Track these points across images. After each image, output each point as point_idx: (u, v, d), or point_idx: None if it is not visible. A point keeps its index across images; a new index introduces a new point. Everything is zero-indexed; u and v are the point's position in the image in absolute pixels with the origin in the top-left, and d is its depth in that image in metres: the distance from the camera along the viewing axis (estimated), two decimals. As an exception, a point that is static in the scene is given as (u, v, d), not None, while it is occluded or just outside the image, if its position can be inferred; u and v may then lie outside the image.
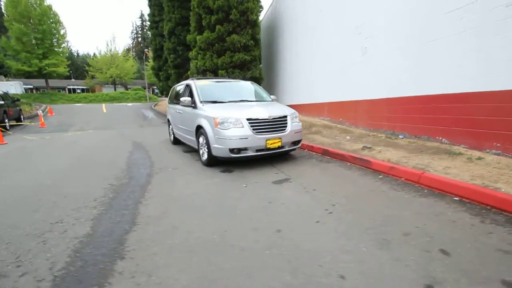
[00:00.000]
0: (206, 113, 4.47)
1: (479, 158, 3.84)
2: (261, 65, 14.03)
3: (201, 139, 4.67)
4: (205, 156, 4.58)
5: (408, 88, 5.45)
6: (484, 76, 4.05)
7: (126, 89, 41.80)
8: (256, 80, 12.44)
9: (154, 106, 22.03)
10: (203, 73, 13.28)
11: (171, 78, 17.05)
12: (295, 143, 4.62)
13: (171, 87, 19.10)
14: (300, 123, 4.76)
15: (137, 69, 43.50)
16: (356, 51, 7.05)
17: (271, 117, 4.34)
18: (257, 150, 4.19)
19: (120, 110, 18.63)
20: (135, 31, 64.53)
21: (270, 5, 15.03)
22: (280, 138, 4.31)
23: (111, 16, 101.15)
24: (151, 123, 13.48)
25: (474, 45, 4.18)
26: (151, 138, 8.43)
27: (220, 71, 12.72)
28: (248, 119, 4.15)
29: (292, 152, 5.23)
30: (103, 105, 22.68)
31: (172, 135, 7.00)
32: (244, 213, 2.62)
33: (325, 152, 5.11)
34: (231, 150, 4.06)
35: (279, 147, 4.33)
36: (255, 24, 13.05)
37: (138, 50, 57.44)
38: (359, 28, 6.86)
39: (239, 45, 12.65)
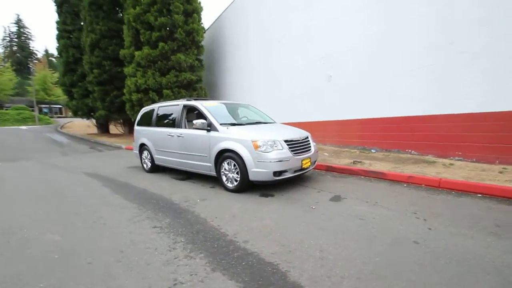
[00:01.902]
0: (236, 136, 4.24)
1: (451, 164, 5.08)
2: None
3: (226, 165, 4.35)
4: (233, 182, 4.28)
5: (378, 111, 6.65)
6: (444, 103, 5.46)
7: (1, 108, 32.73)
8: (206, 100, 12.21)
9: (61, 128, 18.10)
10: (144, 92, 12.09)
11: (93, 95, 14.61)
12: (314, 162, 4.90)
13: (90, 106, 16.34)
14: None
15: (17, 84, 34.92)
16: (321, 78, 8.06)
17: (301, 138, 4.53)
18: (295, 171, 4.26)
19: (15, 135, 14.44)
20: (8, 38, 52.24)
21: (208, 28, 15.26)
22: (310, 158, 4.51)
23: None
24: (76, 150, 11.11)
25: (433, 80, 5.59)
26: (102, 167, 7.03)
27: (165, 91, 11.93)
28: (285, 141, 4.20)
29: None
30: (-18, 129, 17.05)
31: (150, 162, 6.11)
32: (357, 233, 2.69)
33: (329, 169, 5.59)
34: (275, 173, 3.99)
35: (309, 167, 4.52)
36: (199, 45, 12.94)
37: (14, 61, 46.52)
38: (324, 59, 7.93)
39: (185, 65, 12.22)
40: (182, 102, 5.45)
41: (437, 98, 5.55)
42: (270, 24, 10.07)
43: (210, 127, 4.61)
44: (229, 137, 4.30)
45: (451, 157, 5.36)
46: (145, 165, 6.35)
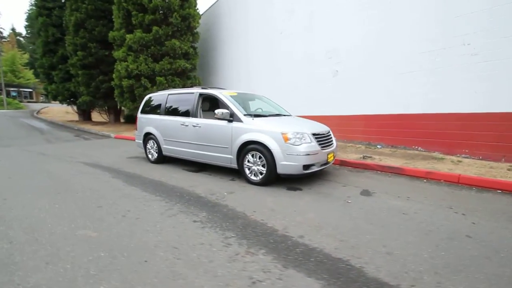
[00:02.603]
0: (263, 128, 4.11)
1: (459, 161, 5.30)
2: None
3: (250, 157, 4.22)
4: (258, 175, 4.18)
5: (385, 107, 6.77)
6: (451, 101, 5.65)
7: (-38, 89, 29.68)
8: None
9: (37, 114, 16.79)
10: (136, 78, 11.48)
11: (76, 80, 13.63)
12: (335, 156, 4.90)
13: (70, 90, 15.25)
14: (334, 137, 5.09)
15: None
16: (325, 72, 8.06)
17: (325, 132, 4.50)
18: (322, 165, 4.24)
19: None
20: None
21: (202, 14, 14.68)
22: (333, 152, 4.51)
23: None
24: (60, 137, 10.39)
25: (439, 78, 5.77)
26: (99, 157, 6.63)
27: (158, 78, 11.42)
28: (313, 134, 4.15)
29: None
30: None
31: (156, 153, 5.82)
32: (409, 227, 2.71)
33: (343, 163, 5.63)
34: (304, 167, 3.93)
35: (331, 161, 4.51)
36: (195, 32, 12.46)
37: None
38: (329, 53, 7.92)
39: (180, 52, 11.72)
40: (197, 90, 5.19)
41: (443, 97, 5.73)
42: (272, 15, 9.86)
43: (232, 117, 4.43)
44: (256, 129, 4.16)
45: (458, 154, 5.60)
46: (150, 156, 6.03)
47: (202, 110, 5.20)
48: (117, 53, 11.62)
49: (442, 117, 5.82)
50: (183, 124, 5.14)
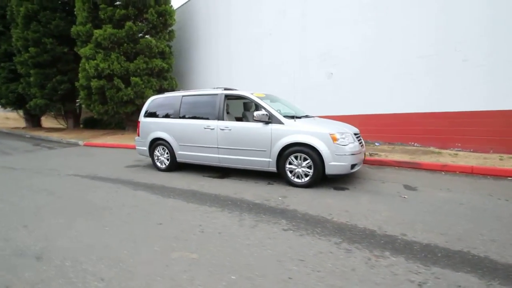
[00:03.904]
0: (308, 129, 4.08)
1: (456, 154, 5.98)
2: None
3: (294, 159, 4.14)
4: (302, 178, 4.12)
5: (382, 107, 7.29)
6: (445, 101, 6.35)
7: None
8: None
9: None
10: (107, 78, 10.35)
11: (25, 80, 11.68)
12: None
13: (18, 92, 13.07)
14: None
15: None
16: (320, 75, 8.35)
17: (358, 132, 4.65)
18: (361, 163, 4.38)
19: None
20: None
21: (175, 10, 13.93)
22: (365, 151, 4.69)
23: None
24: (16, 148, 8.88)
25: (435, 81, 6.44)
26: (90, 168, 5.86)
27: (133, 78, 10.56)
28: (354, 134, 4.26)
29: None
30: None
31: (168, 160, 5.35)
32: (482, 216, 2.96)
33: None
34: (351, 166, 4.01)
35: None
36: (170, 29, 11.79)
37: None
38: (324, 55, 8.22)
39: (156, 50, 10.95)
40: (221, 91, 4.91)
41: (437, 97, 6.43)
42: (260, 15, 9.83)
43: (270, 119, 4.30)
44: (300, 130, 4.10)
45: (451, 148, 6.32)
46: (159, 163, 5.49)
47: (226, 113, 4.94)
48: (84, 50, 10.33)
49: (434, 116, 6.50)
50: (207, 128, 4.80)
